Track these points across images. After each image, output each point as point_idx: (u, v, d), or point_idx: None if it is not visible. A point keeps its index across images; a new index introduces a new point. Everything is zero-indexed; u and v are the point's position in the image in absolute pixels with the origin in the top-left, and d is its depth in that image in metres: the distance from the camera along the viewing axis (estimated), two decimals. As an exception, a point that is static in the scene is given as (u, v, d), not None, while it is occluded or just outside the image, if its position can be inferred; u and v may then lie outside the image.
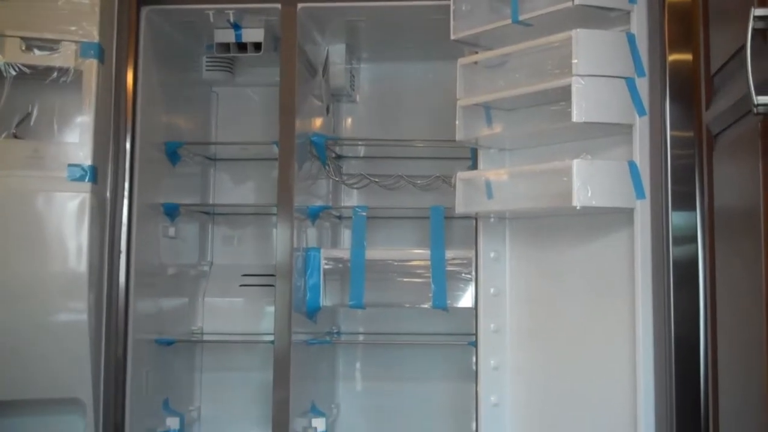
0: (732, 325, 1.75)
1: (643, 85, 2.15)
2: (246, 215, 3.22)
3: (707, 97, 1.88)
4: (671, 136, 2.05)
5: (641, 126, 2.14)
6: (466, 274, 2.67)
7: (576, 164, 2.07)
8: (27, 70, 2.36)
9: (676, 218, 2.03)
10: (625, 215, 2.16)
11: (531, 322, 2.44)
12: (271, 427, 2.56)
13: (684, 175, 2.03)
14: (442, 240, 2.70)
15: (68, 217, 2.35)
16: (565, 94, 2.09)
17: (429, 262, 2.68)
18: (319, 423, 2.72)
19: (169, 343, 2.85)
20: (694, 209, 1.99)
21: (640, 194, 2.13)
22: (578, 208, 2.07)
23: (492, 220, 2.49)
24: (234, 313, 3.12)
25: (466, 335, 2.66)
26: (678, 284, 2.00)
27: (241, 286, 3.12)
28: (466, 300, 2.70)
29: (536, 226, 2.45)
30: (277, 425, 2.54)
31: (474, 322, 2.48)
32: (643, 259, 2.10)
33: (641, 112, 2.14)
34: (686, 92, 2.03)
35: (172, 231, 2.89)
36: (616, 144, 2.22)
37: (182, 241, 3.00)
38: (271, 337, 2.59)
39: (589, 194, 2.07)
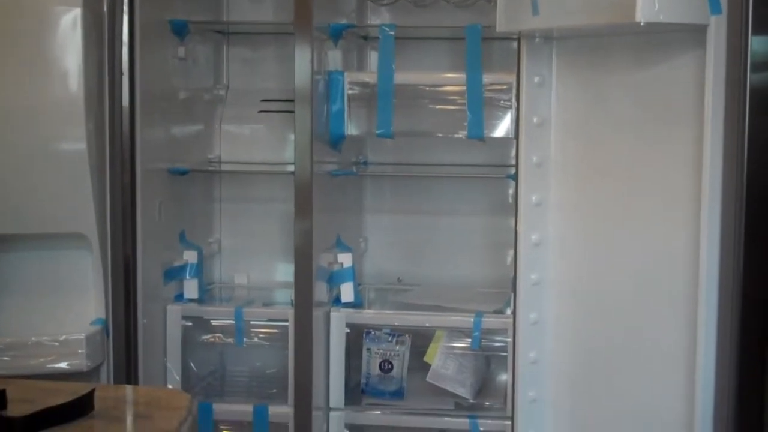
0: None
1: None
2: (265, 35, 2.97)
3: None
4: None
5: (719, -75, 1.86)
6: (505, 101, 2.48)
7: (642, -30, 1.82)
8: None
9: (756, 43, 1.82)
10: (696, 34, 1.92)
11: (579, 155, 2.26)
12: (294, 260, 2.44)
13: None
14: (479, 63, 2.48)
15: (59, 34, 2.15)
16: None
17: (464, 88, 2.48)
18: (345, 258, 2.62)
19: (184, 172, 2.70)
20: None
21: (715, 9, 1.88)
22: (642, 24, 1.84)
23: (537, 40, 2.27)
24: (254, 141, 2.97)
25: (504, 167, 2.53)
26: (754, 113, 1.82)
27: (260, 112, 2.93)
28: (505, 129, 2.50)
29: (589, 47, 2.23)
30: (300, 257, 2.43)
31: (513, 154, 2.32)
32: (715, 84, 1.88)
33: None
34: None
35: (181, 51, 2.67)
36: (688, -51, 1.94)
37: (194, 63, 2.79)
38: (293, 167, 2.44)
39: (656, 7, 1.83)
